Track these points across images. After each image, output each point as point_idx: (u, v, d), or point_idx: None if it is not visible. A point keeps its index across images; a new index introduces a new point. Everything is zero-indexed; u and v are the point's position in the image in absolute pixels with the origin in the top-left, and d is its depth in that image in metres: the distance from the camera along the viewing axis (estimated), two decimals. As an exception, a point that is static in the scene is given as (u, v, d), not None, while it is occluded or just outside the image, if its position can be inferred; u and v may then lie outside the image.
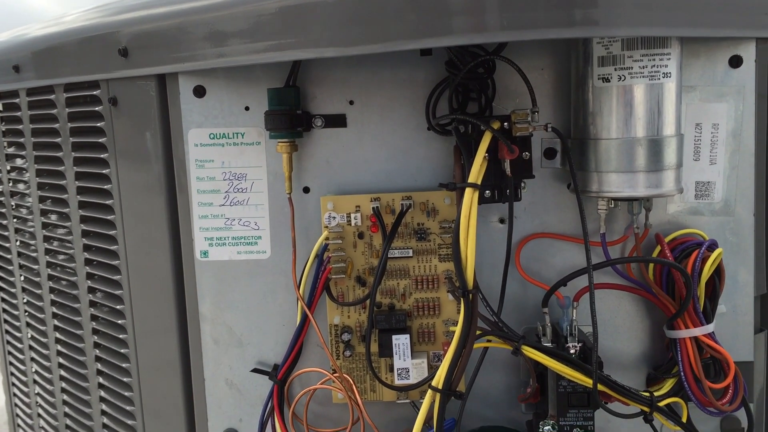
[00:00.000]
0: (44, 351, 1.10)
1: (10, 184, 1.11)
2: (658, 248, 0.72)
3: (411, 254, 0.74)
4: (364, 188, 0.76)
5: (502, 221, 0.75)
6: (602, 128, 0.66)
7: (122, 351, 0.91)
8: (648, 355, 0.76)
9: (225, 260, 0.78)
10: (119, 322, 0.90)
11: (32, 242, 1.06)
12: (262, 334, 0.79)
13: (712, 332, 0.70)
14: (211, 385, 0.81)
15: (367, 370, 0.76)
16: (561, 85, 0.73)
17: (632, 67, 0.64)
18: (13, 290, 1.18)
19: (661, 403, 0.69)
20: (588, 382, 0.66)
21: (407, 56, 0.73)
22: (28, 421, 1.25)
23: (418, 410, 0.66)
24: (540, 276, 0.75)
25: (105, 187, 0.87)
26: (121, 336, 0.91)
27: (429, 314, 0.75)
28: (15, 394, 1.30)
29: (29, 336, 1.15)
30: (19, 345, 1.20)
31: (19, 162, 1.07)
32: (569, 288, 0.71)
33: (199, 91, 0.76)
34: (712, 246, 0.70)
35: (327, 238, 0.74)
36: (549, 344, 0.70)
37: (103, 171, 0.87)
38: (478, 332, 0.66)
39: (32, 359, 1.16)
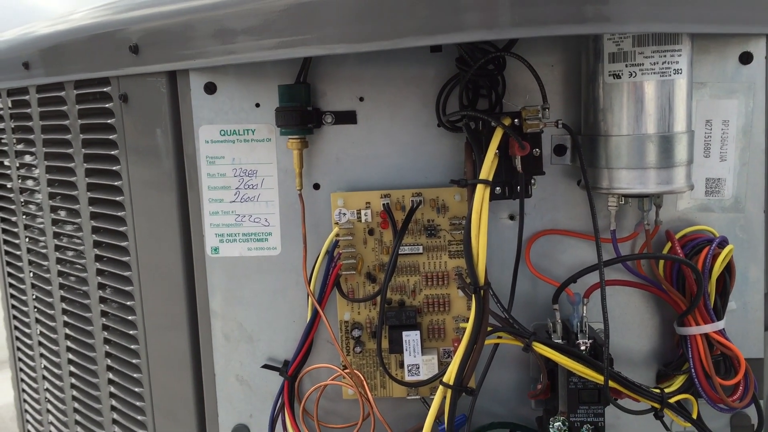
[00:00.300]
0: (54, 347, 1.10)
1: (20, 181, 1.11)
2: (669, 245, 0.72)
3: (421, 251, 0.74)
4: (374, 185, 0.76)
5: (511, 218, 0.75)
6: (613, 125, 0.66)
7: (132, 347, 0.91)
8: (658, 352, 0.76)
9: (235, 256, 0.79)
10: (129, 318, 0.91)
11: (41, 239, 1.07)
12: (273, 330, 0.80)
13: (723, 329, 0.70)
14: (222, 381, 0.82)
15: (377, 366, 0.76)
16: (571, 81, 0.72)
17: (643, 64, 0.64)
18: (22, 286, 1.19)
19: (672, 400, 0.69)
20: (599, 378, 0.66)
21: (417, 53, 0.73)
22: (37, 416, 1.26)
23: (428, 407, 0.67)
24: (549, 273, 0.75)
25: (115, 183, 0.87)
26: (131, 332, 0.91)
27: (439, 311, 0.75)
28: (24, 390, 1.31)
29: (38, 332, 1.15)
30: (29, 341, 1.21)
31: (28, 159, 1.07)
32: (579, 285, 0.71)
33: (210, 88, 0.76)
34: (723, 243, 0.70)
35: (337, 235, 0.74)
36: (559, 341, 0.70)
37: (114, 168, 0.87)
38: (488, 329, 0.66)
39: (41, 355, 1.16)
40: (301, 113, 0.73)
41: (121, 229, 0.88)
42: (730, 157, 0.73)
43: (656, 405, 0.69)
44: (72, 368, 1.07)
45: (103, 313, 0.96)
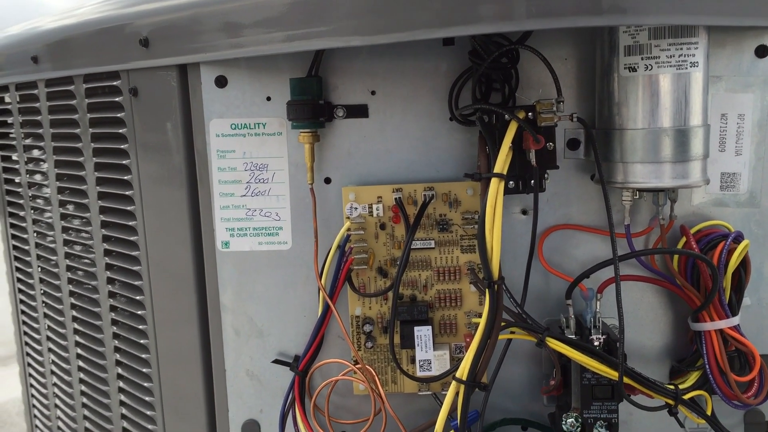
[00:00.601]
0: (62, 342, 1.10)
1: (28, 176, 1.11)
2: (683, 239, 0.71)
3: (433, 245, 0.73)
4: (385, 179, 0.75)
5: (524, 212, 0.75)
6: (628, 118, 0.66)
7: (142, 342, 0.91)
8: (671, 348, 0.76)
9: (246, 251, 0.78)
10: (139, 312, 0.90)
11: (50, 233, 1.07)
12: (283, 325, 0.79)
13: (737, 325, 0.70)
14: (232, 376, 0.81)
15: (388, 362, 0.76)
16: (584, 75, 0.72)
17: (659, 57, 0.64)
18: (30, 281, 1.18)
19: (686, 396, 0.69)
20: (613, 374, 0.65)
21: (430, 46, 0.73)
22: (45, 411, 1.26)
23: (440, 402, 0.66)
24: (562, 268, 0.74)
25: (125, 177, 0.87)
26: (140, 327, 0.91)
27: (451, 306, 0.74)
28: (32, 385, 1.31)
29: (47, 327, 1.15)
30: (37, 336, 1.21)
31: (36, 153, 1.07)
32: (592, 279, 0.71)
33: (221, 81, 0.76)
34: (738, 238, 0.69)
35: (349, 229, 0.74)
36: (573, 336, 0.69)
37: (123, 162, 0.87)
38: (502, 324, 0.65)
39: (50, 350, 1.16)
40: (313, 107, 0.72)
41: (130, 223, 0.88)
42: (745, 152, 0.72)
43: (670, 401, 0.68)
44: (80, 363, 1.07)
45: (112, 308, 0.96)
